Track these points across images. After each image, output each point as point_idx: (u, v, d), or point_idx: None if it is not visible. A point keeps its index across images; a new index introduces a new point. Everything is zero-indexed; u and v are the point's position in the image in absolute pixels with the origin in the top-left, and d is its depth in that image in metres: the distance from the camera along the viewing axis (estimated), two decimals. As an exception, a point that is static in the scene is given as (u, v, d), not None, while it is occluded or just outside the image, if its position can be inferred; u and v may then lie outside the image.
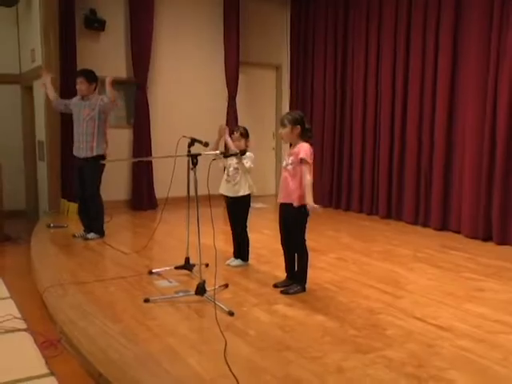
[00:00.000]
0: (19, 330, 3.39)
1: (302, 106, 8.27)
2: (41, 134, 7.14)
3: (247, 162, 4.20)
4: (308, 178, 3.56)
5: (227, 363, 2.58)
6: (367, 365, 2.61)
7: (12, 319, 3.53)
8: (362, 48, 7.29)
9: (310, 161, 3.62)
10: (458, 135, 6.03)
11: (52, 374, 2.80)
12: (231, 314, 3.28)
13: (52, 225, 6.16)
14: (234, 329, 3.07)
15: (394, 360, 2.67)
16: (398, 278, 4.19)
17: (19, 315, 3.64)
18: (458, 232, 5.95)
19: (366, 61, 7.26)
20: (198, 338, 2.98)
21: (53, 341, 3.16)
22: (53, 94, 5.63)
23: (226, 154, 4.00)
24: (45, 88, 5.67)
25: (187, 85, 8.08)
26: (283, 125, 3.68)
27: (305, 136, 3.70)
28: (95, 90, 5.52)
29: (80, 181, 5.50)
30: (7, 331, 3.37)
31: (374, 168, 7.22)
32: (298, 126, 3.66)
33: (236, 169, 4.31)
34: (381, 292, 3.80)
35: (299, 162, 3.60)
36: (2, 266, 5.00)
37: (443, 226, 6.18)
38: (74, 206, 6.41)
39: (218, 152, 3.84)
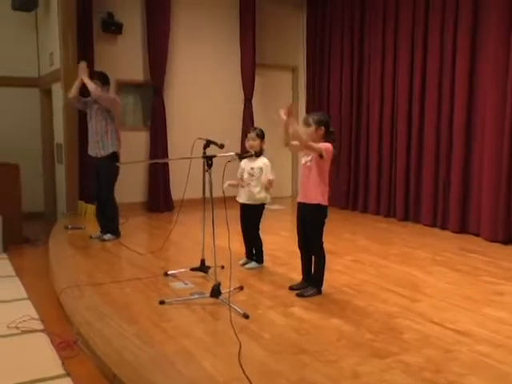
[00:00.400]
0: (36, 330, 3.42)
1: (319, 108, 8.24)
2: (59, 136, 7.21)
3: (269, 174, 4.22)
4: (318, 147, 3.54)
5: (241, 366, 2.56)
6: (384, 370, 2.57)
7: (29, 320, 3.57)
8: (379, 49, 7.23)
9: (328, 156, 3.60)
10: (476, 136, 5.94)
11: (68, 374, 2.81)
12: (246, 316, 3.26)
13: (70, 226, 6.21)
14: (248, 331, 3.05)
15: (411, 365, 2.62)
16: (416, 281, 4.14)
17: (36, 316, 3.68)
18: (478, 235, 5.85)
19: (383, 62, 7.19)
20: (212, 341, 2.98)
21: (69, 342, 3.18)
22: (77, 91, 5.60)
23: (242, 155, 3.99)
24: (79, 81, 5.49)
25: (203, 87, 8.10)
26: (308, 124, 3.65)
27: (328, 138, 3.67)
28: (107, 91, 5.56)
29: (97, 182, 5.55)
30: (24, 332, 3.40)
31: (392, 170, 7.15)
32: (323, 128, 3.64)
33: (251, 175, 4.31)
34: (398, 295, 3.76)
35: (321, 150, 3.56)
36: (20, 268, 5.05)
37: (462, 229, 6.09)
38: (91, 208, 6.46)
39: (233, 154, 3.83)
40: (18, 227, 6.07)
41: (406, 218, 6.87)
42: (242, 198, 4.41)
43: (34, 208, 7.41)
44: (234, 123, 8.26)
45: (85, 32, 6.91)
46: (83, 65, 5.51)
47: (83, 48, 6.86)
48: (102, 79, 5.48)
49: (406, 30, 6.75)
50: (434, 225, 6.45)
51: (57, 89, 7.09)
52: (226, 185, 4.21)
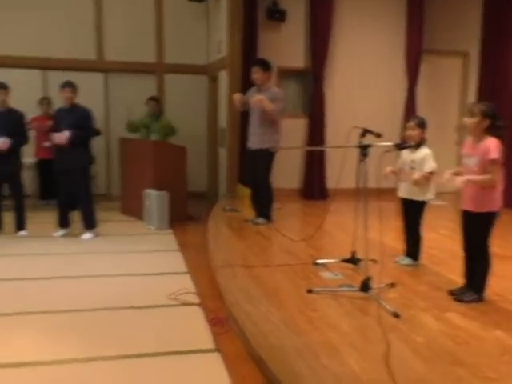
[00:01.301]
0: (192, 304, 3.65)
1: (491, 98, 7.47)
2: (223, 121, 7.58)
3: (427, 166, 3.95)
4: (495, 177, 3.19)
5: (388, 368, 2.43)
6: (555, 397, 2.25)
7: (187, 293, 3.81)
8: None
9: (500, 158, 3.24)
10: None
11: (217, 350, 2.94)
12: (396, 315, 3.10)
13: (228, 208, 6.51)
14: (398, 332, 2.89)
15: None
16: None
17: (194, 290, 3.93)
18: None
19: None
20: (358, 337, 2.88)
21: (221, 318, 3.33)
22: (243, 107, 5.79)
23: (401, 146, 3.78)
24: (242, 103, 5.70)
25: (365, 75, 7.87)
26: (472, 114, 3.32)
27: (493, 132, 3.29)
28: (270, 79, 5.64)
29: (252, 168, 5.71)
30: (183, 304, 3.64)
31: None
32: (488, 120, 3.28)
33: (411, 168, 4.05)
34: None
35: (490, 163, 3.22)
36: (183, 243, 5.44)
37: None
38: (248, 192, 6.69)
39: (390, 144, 3.65)
40: (184, 205, 6.54)
41: None
42: (402, 192, 4.19)
43: (197, 188, 7.92)
44: (395, 112, 7.91)
45: (250, 20, 7.12)
46: (239, 96, 5.65)
47: (249, 36, 7.09)
48: (264, 66, 5.59)
49: None
50: None
51: (223, 76, 7.44)
52: (388, 169, 4.03)
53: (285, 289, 3.65)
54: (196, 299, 3.74)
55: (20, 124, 5.53)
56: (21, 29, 7.56)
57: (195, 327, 3.28)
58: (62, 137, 5.28)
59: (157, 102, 7.49)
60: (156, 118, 7.34)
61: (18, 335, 3.15)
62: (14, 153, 5.44)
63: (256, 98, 5.43)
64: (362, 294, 3.43)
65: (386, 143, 3.61)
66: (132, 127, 7.30)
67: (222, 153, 7.71)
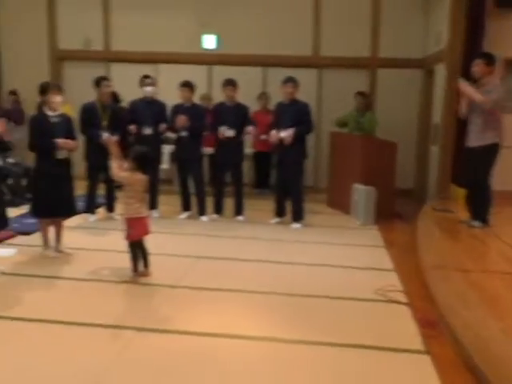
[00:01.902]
0: (400, 302, 3.58)
1: None
2: (437, 117, 7.22)
3: None
4: None
5: None
6: None
7: (394, 291, 3.75)
8: None
9: None
10: None
11: (427, 352, 2.84)
12: None
13: (438, 208, 6.19)
14: None
15: None
16: None
17: (401, 288, 3.85)
18: None
19: None
20: None
21: (431, 321, 3.21)
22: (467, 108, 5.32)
23: None
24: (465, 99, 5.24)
25: None
26: None
27: None
28: (491, 73, 5.16)
29: (469, 167, 5.31)
30: (390, 301, 3.60)
31: None
32: None
33: None
34: None
35: None
36: (389, 241, 5.36)
37: None
38: (462, 192, 6.26)
39: None
40: (391, 202, 6.41)
41: None
42: None
43: (403, 185, 7.66)
44: None
45: (477, 10, 6.61)
46: (464, 82, 5.22)
47: (473, 26, 6.58)
48: (488, 59, 5.14)
49: None
50: None
51: (439, 69, 7.08)
52: None
53: (506, 298, 3.37)
54: (404, 298, 3.66)
55: (245, 117, 6.06)
56: (244, 28, 8.18)
57: (403, 326, 3.22)
58: (287, 135, 5.61)
59: (364, 96, 7.44)
60: (362, 113, 7.30)
61: (230, 309, 3.48)
62: (239, 144, 6.03)
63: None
64: None
65: None
66: (339, 124, 7.39)
67: (434, 150, 7.34)
